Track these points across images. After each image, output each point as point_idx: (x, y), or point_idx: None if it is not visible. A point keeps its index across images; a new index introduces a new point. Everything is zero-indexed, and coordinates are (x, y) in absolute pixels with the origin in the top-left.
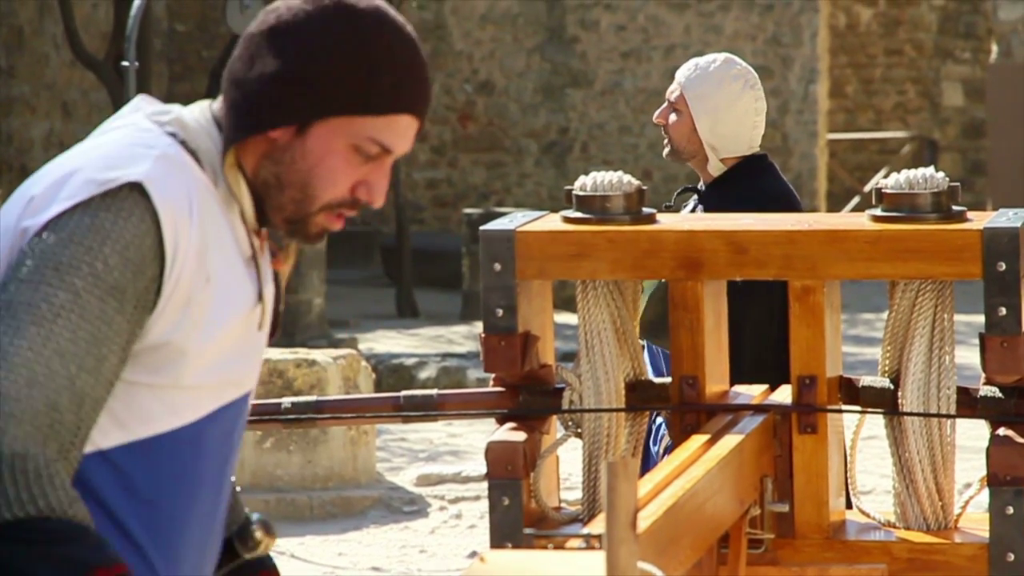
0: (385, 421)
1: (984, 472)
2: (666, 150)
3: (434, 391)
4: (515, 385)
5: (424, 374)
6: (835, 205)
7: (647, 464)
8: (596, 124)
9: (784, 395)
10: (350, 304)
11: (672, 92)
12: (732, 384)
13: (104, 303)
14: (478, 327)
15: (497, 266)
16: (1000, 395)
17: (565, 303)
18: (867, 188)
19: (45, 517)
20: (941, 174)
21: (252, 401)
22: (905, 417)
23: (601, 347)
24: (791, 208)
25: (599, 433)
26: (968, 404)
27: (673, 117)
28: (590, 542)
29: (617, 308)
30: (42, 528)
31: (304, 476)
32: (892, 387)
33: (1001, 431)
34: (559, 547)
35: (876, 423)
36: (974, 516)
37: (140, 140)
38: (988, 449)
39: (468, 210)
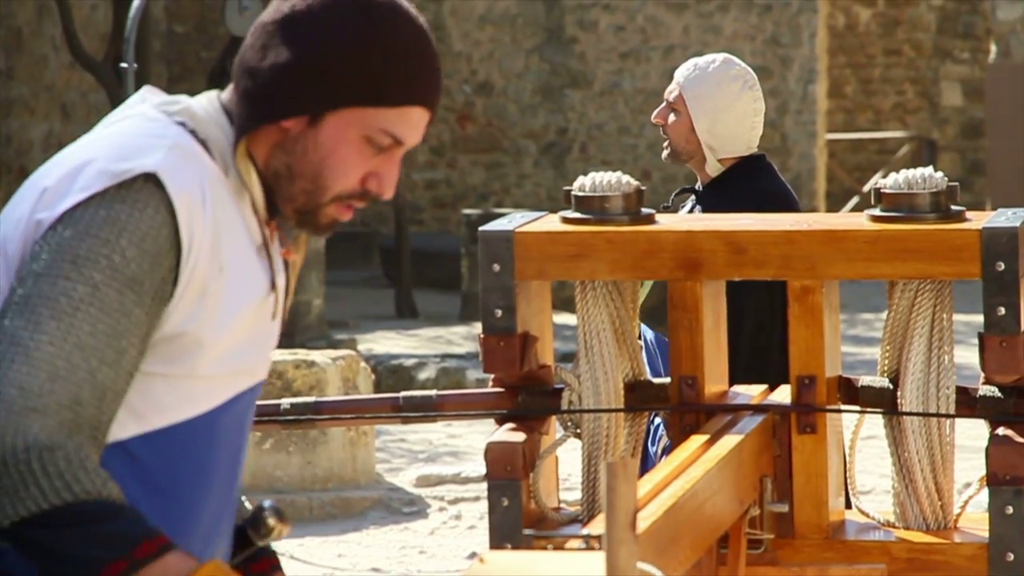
0: (384, 422)
1: (983, 472)
2: (665, 152)
3: (433, 392)
4: (514, 386)
5: (423, 375)
6: (834, 205)
7: (645, 464)
8: (595, 125)
9: (783, 395)
10: (349, 305)
11: (671, 92)
12: (731, 384)
13: (123, 295)
14: (477, 328)
15: (496, 267)
16: (999, 395)
17: (564, 304)
18: (866, 188)
19: (82, 500)
20: (940, 174)
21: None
22: (904, 417)
23: (600, 347)
24: (789, 208)
25: (598, 433)
26: (967, 404)
27: (672, 117)
28: (590, 543)
29: (616, 308)
30: (82, 511)
31: (303, 477)
32: (891, 387)
33: (1000, 431)
34: (558, 548)
35: (875, 423)
36: (973, 516)
37: (150, 130)
38: (987, 449)
39: (467, 211)
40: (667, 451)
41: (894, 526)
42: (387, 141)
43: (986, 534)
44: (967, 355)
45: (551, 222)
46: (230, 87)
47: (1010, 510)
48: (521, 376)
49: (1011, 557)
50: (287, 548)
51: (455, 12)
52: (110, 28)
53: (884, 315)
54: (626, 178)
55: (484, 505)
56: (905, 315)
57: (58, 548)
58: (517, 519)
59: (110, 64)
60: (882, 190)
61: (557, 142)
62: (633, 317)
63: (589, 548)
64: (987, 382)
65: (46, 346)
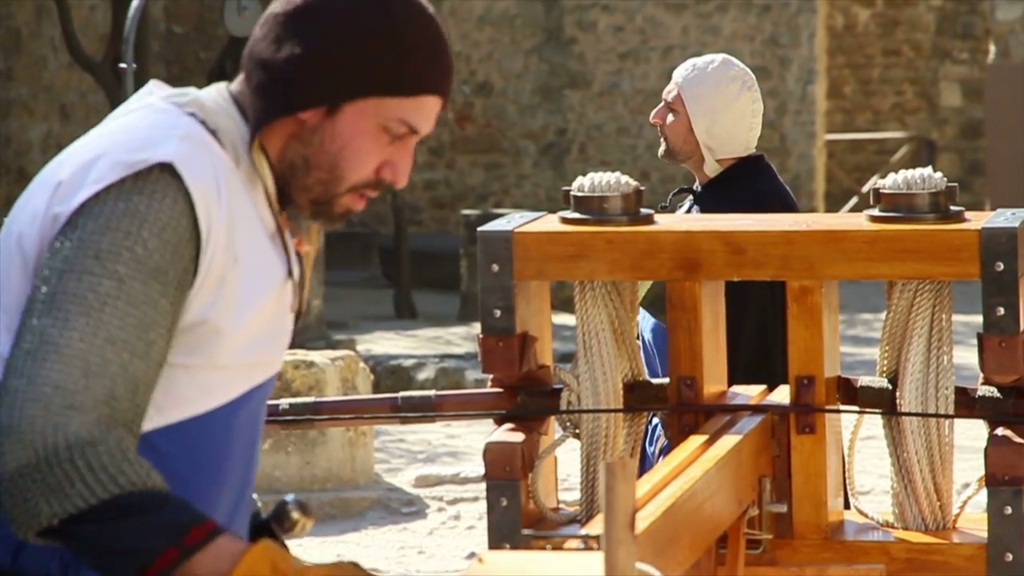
0: (383, 422)
1: (982, 472)
2: (661, 150)
3: (432, 392)
4: (513, 386)
5: (422, 375)
6: (833, 206)
7: (643, 465)
8: (594, 125)
9: (782, 395)
10: (348, 305)
11: (669, 92)
12: (734, 384)
13: (148, 287)
14: (476, 328)
15: (495, 267)
16: (998, 395)
17: (563, 304)
18: (865, 189)
19: (129, 492)
20: (939, 174)
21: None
22: (903, 417)
23: (599, 348)
24: (787, 209)
25: (597, 434)
26: (966, 404)
27: (670, 117)
28: (588, 543)
29: (615, 309)
30: (129, 502)
31: (302, 477)
32: (890, 387)
33: (999, 431)
34: (557, 548)
35: (874, 423)
36: (972, 516)
37: (161, 121)
38: (986, 449)
39: (466, 211)
40: (664, 451)
41: (893, 526)
42: (403, 130)
43: (985, 534)
44: (966, 355)
45: (550, 222)
46: (239, 79)
47: (1009, 510)
48: (520, 376)
49: (1010, 557)
50: None
51: (454, 12)
52: (109, 29)
53: (883, 315)
54: (625, 178)
55: (483, 505)
56: (904, 315)
57: (109, 542)
58: (516, 519)
59: (109, 65)
60: (881, 190)
61: (556, 142)
62: (632, 317)
63: (588, 548)
64: (986, 382)
65: (77, 343)
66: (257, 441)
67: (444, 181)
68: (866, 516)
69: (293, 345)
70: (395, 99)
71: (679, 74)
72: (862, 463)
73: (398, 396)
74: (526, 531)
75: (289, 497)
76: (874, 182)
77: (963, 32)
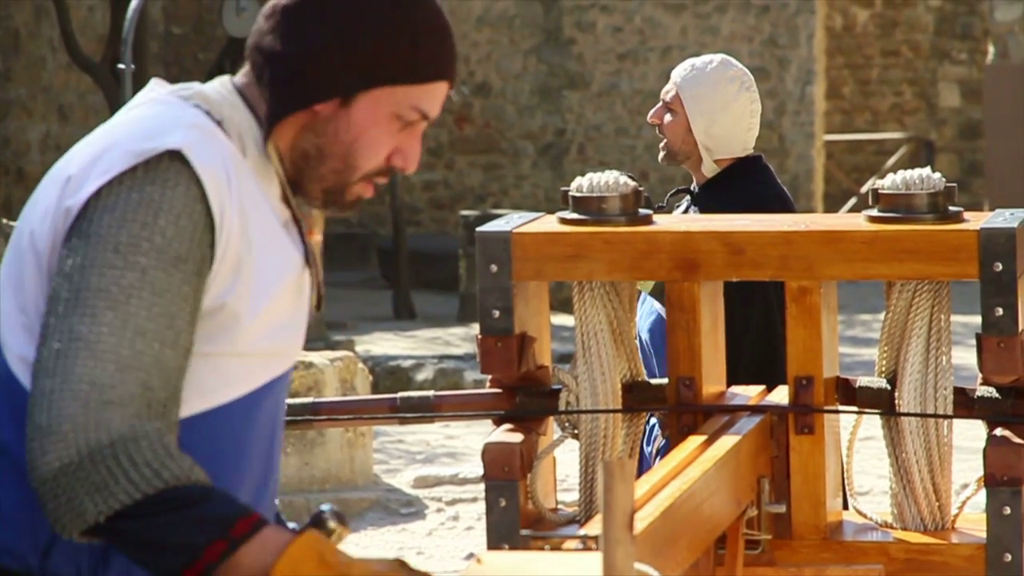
0: (382, 422)
1: (981, 472)
2: (662, 155)
3: (431, 392)
4: (512, 386)
5: (421, 376)
6: (832, 206)
7: (641, 465)
8: (593, 126)
9: (781, 396)
10: (347, 306)
11: (667, 92)
12: (736, 385)
13: (170, 275)
14: (475, 329)
15: (493, 267)
16: (997, 395)
17: (562, 304)
18: (864, 189)
19: (173, 486)
20: (937, 175)
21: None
22: (902, 417)
23: (598, 348)
24: (785, 210)
25: (596, 434)
26: (965, 404)
27: (668, 117)
28: (587, 543)
29: (614, 309)
30: (174, 496)
31: (301, 478)
32: (889, 388)
33: (998, 431)
34: (556, 548)
35: (873, 424)
36: (971, 516)
37: (167, 113)
38: (985, 449)
39: (465, 212)
40: (662, 451)
41: (892, 527)
42: (415, 116)
43: (984, 535)
44: (965, 356)
45: (549, 223)
46: (243, 71)
47: (1007, 511)
48: (519, 377)
49: (1008, 557)
50: None
51: (453, 13)
52: (108, 29)
53: (882, 316)
54: (624, 179)
55: (482, 506)
56: (903, 316)
57: (155, 537)
58: (515, 520)
59: (108, 65)
60: (880, 191)
61: (555, 143)
62: (631, 318)
63: (586, 549)
64: (985, 383)
65: (107, 337)
66: (277, 435)
67: (443, 182)
68: (865, 516)
69: None
70: (408, 87)
71: (677, 74)
72: (861, 463)
73: (397, 397)
74: (525, 531)
75: (325, 507)
76: (873, 183)
77: (962, 33)
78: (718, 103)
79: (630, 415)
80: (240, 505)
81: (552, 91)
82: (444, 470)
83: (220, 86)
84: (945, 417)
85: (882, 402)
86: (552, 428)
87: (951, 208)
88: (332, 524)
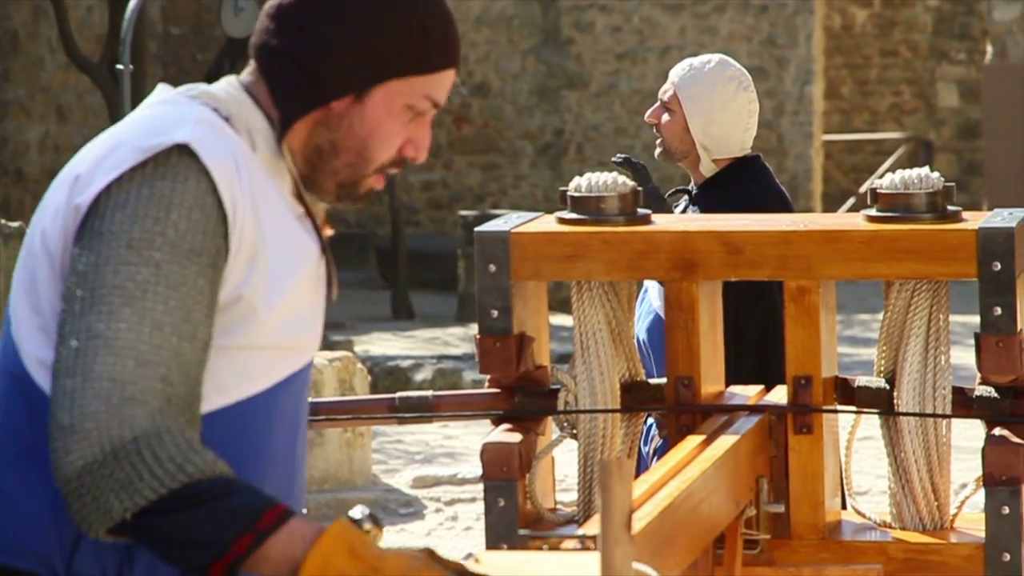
0: (380, 422)
1: (980, 472)
2: (658, 150)
3: (429, 392)
4: (511, 386)
5: (420, 376)
6: (830, 206)
7: (638, 466)
8: (591, 126)
9: (780, 395)
10: (346, 306)
11: (665, 92)
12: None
13: (185, 269)
14: (474, 329)
15: (492, 267)
16: (995, 395)
17: (561, 304)
18: (862, 189)
19: (198, 480)
20: (936, 174)
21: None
22: (901, 417)
23: (596, 348)
24: (783, 209)
25: (595, 434)
26: (964, 404)
27: (665, 117)
28: (585, 543)
29: (612, 309)
30: (199, 491)
31: None
32: (888, 387)
33: (997, 431)
34: (554, 548)
35: (872, 423)
36: (970, 516)
37: (174, 110)
38: (984, 449)
39: (463, 212)
40: (660, 451)
41: (890, 526)
42: (427, 106)
43: (982, 534)
44: (963, 355)
45: (547, 223)
46: (249, 70)
47: (1006, 510)
48: (517, 377)
49: (1007, 557)
50: None
51: None
52: (106, 30)
53: (880, 316)
54: (622, 179)
55: (480, 506)
56: (901, 315)
57: (181, 532)
58: (513, 520)
59: (106, 66)
60: (878, 190)
61: (553, 143)
62: (630, 317)
63: (585, 548)
64: (983, 382)
65: (125, 333)
66: (300, 433)
67: (441, 182)
68: (864, 516)
69: None
70: (420, 77)
71: (675, 73)
72: (859, 463)
73: (395, 397)
74: (523, 531)
75: (362, 509)
76: (871, 182)
77: (960, 33)
78: (716, 103)
79: (629, 415)
80: (266, 497)
81: (551, 91)
82: (443, 470)
83: (227, 84)
84: (944, 417)
85: (881, 402)
86: (551, 428)
87: (950, 208)
88: (367, 526)
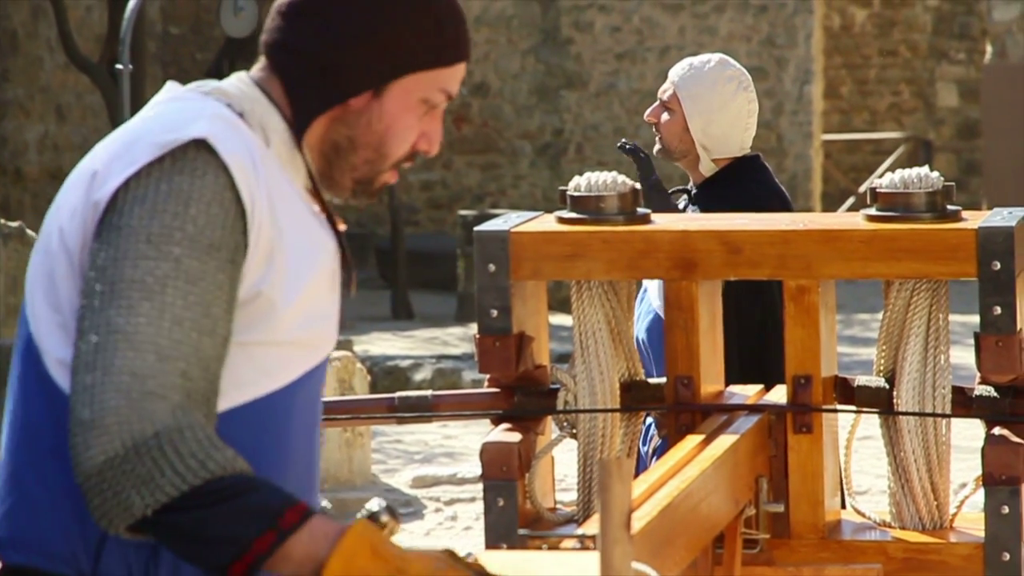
0: (380, 422)
1: (979, 472)
2: (656, 148)
3: (429, 392)
4: (510, 386)
5: (419, 376)
6: (830, 206)
7: (637, 465)
8: (591, 125)
9: (779, 395)
10: (345, 306)
11: (665, 91)
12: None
13: (204, 264)
14: (473, 328)
15: (491, 267)
16: (995, 394)
17: (560, 304)
18: (862, 188)
19: (219, 477)
20: (936, 174)
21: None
22: (900, 417)
23: (596, 348)
24: (783, 209)
25: (594, 434)
26: (963, 404)
27: (665, 116)
28: (585, 543)
29: (612, 308)
30: (220, 487)
31: None
32: (887, 387)
33: (996, 430)
34: (554, 548)
35: (871, 423)
36: (969, 516)
37: (188, 106)
38: (983, 449)
39: (463, 212)
40: (659, 451)
41: (890, 526)
42: (441, 99)
43: (982, 534)
44: (963, 355)
45: (547, 222)
46: (260, 66)
47: (1006, 510)
48: (517, 376)
49: (1007, 557)
50: None
51: None
52: (105, 30)
53: (880, 315)
54: (621, 178)
55: (480, 506)
56: (901, 315)
57: (202, 530)
58: (513, 519)
59: (105, 66)
60: (878, 189)
61: (553, 143)
62: (629, 317)
63: (584, 548)
64: (983, 382)
65: (145, 327)
66: (316, 428)
67: (441, 182)
68: (863, 516)
69: None
70: (436, 71)
71: (675, 73)
72: (859, 463)
73: (395, 396)
74: (523, 531)
75: (379, 501)
76: (871, 182)
77: (960, 32)
78: (715, 102)
79: (628, 414)
80: (287, 495)
81: (550, 91)
82: (442, 470)
83: (238, 81)
84: (943, 416)
85: (880, 401)
86: (550, 428)
87: (949, 207)
88: (385, 518)
